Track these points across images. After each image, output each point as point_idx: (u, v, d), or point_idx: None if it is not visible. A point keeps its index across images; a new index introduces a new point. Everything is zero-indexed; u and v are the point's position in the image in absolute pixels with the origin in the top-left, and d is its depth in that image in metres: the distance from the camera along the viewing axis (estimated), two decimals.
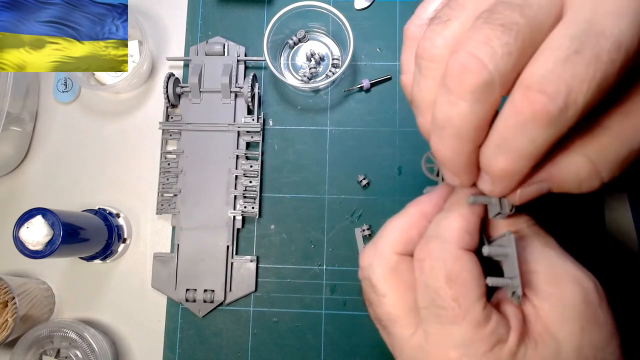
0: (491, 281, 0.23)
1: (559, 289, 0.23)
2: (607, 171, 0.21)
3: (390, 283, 0.25)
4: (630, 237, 0.47)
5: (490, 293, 0.24)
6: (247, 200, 0.50)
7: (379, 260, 0.25)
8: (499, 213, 0.24)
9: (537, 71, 0.18)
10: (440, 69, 0.21)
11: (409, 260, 0.25)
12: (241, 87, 0.51)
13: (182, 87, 0.51)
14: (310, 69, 0.52)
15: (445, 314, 0.22)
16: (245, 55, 0.53)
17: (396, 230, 0.26)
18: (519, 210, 0.24)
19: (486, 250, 0.23)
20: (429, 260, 0.23)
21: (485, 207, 0.25)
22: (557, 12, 0.19)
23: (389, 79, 0.51)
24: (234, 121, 0.51)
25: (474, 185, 0.25)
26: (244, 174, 0.50)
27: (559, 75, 0.18)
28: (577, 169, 0.21)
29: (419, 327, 0.24)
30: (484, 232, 0.26)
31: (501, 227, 0.26)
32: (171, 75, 0.50)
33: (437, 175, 0.31)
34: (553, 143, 0.19)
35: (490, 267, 0.24)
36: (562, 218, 0.46)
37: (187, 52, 0.54)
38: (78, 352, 0.46)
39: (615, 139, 0.20)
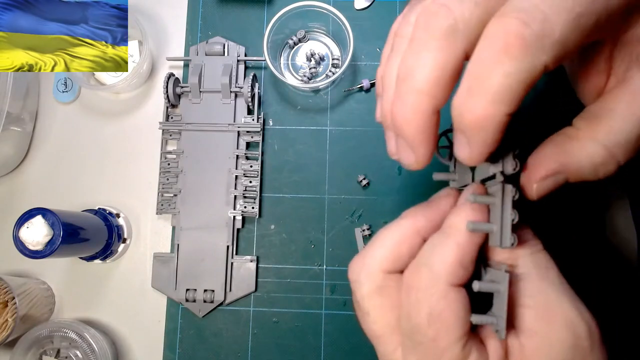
0: (475, 319, 0.22)
1: (548, 329, 0.21)
2: (622, 154, 0.20)
3: (374, 301, 0.24)
4: (630, 240, 0.47)
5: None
6: (247, 200, 0.50)
7: (366, 277, 0.25)
8: (498, 245, 0.23)
9: (512, 3, 0.18)
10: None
11: (396, 278, 0.24)
12: (241, 87, 0.51)
13: (182, 87, 0.51)
14: (310, 69, 0.52)
15: (422, 349, 0.22)
16: (245, 55, 0.53)
17: (386, 245, 0.25)
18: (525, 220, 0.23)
19: (476, 286, 0.22)
20: (416, 291, 0.22)
21: (486, 235, 0.24)
22: None
23: None
24: (234, 121, 0.51)
25: (484, 207, 0.23)
26: (244, 174, 0.50)
27: (535, 3, 0.17)
28: (590, 156, 0.20)
29: (400, 345, 0.24)
30: (482, 250, 0.24)
31: (500, 252, 0.24)
32: (171, 75, 0.50)
33: (450, 159, 0.29)
34: (531, 83, 0.18)
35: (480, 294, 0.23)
36: (563, 220, 0.46)
37: (187, 52, 0.54)
38: (78, 352, 0.46)
39: (625, 120, 0.20)
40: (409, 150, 0.22)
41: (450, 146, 0.28)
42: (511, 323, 0.22)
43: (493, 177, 0.23)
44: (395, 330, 0.24)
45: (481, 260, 0.24)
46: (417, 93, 0.20)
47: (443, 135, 0.28)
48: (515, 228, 0.22)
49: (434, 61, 0.19)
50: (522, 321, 0.22)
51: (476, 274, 0.23)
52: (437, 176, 0.28)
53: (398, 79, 0.20)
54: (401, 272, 0.24)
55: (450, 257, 0.22)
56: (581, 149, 0.21)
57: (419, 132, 0.21)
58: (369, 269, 0.25)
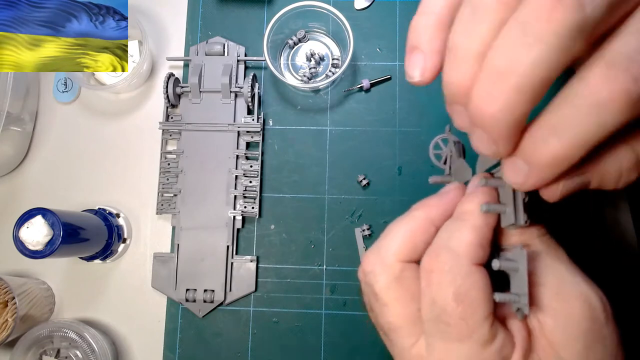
0: (499, 297, 0.22)
1: (565, 305, 0.22)
2: None
3: (393, 292, 0.24)
4: (629, 235, 0.47)
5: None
6: (247, 200, 0.50)
7: (382, 268, 0.24)
8: (512, 224, 0.23)
9: (621, 49, 0.16)
10: (504, 13, 0.18)
11: (413, 268, 0.24)
12: (241, 87, 0.51)
13: (182, 87, 0.51)
14: (310, 69, 0.52)
15: (450, 331, 0.22)
16: (245, 55, 0.53)
17: (401, 235, 0.25)
18: (533, 221, 0.24)
19: (496, 264, 0.23)
20: (438, 274, 0.22)
21: (498, 216, 0.24)
22: None
23: (389, 79, 0.51)
24: (234, 121, 0.51)
25: (494, 190, 0.24)
26: (244, 174, 0.50)
27: None
28: (620, 162, 0.19)
29: (420, 337, 0.23)
30: (494, 239, 0.25)
31: (512, 236, 0.25)
32: (171, 75, 0.50)
33: (445, 163, 0.30)
34: (615, 132, 0.17)
35: (495, 274, 0.23)
36: (562, 218, 0.46)
37: (187, 52, 0.54)
38: (78, 352, 0.46)
39: None
40: (490, 142, 0.19)
41: (444, 151, 0.30)
42: (530, 302, 0.22)
43: (498, 164, 0.24)
44: (415, 321, 0.23)
45: (494, 246, 0.25)
46: (516, 92, 0.17)
47: (436, 142, 0.30)
48: (526, 207, 0.23)
49: (548, 60, 0.16)
50: (539, 299, 0.23)
51: (490, 261, 0.24)
52: (433, 179, 0.30)
53: (493, 72, 0.18)
54: (417, 262, 0.25)
55: (469, 237, 0.22)
56: (615, 154, 0.19)
57: (508, 130, 0.18)
58: (385, 259, 0.24)
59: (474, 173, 0.27)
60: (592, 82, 0.17)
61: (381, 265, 0.24)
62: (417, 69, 0.21)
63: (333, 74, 0.50)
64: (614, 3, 0.16)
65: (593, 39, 0.17)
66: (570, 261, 0.24)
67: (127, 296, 0.50)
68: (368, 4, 0.53)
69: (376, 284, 0.24)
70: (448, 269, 0.22)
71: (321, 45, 0.53)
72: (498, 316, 0.23)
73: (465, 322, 0.21)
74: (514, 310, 0.23)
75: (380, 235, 0.26)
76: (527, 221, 0.23)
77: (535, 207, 0.23)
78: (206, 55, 0.52)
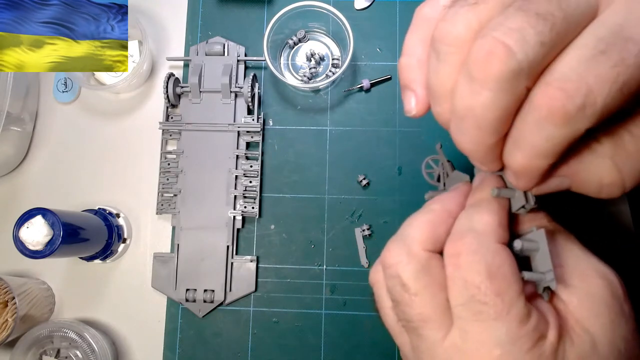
0: (527, 275, 0.22)
1: (587, 282, 0.22)
2: (632, 182, 0.20)
3: (422, 281, 0.24)
4: (627, 225, 0.47)
5: None
6: (247, 200, 0.50)
7: (409, 257, 0.24)
8: (522, 207, 0.24)
9: (559, 69, 0.18)
10: (461, 55, 0.20)
11: (437, 257, 0.24)
12: (241, 87, 0.51)
13: (182, 87, 0.51)
14: (310, 69, 0.52)
15: (486, 310, 0.21)
16: (245, 55, 0.53)
17: (423, 226, 0.25)
18: (541, 205, 0.24)
19: (518, 244, 0.23)
20: (466, 255, 0.22)
21: (509, 201, 0.25)
22: (592, 13, 0.18)
23: (389, 79, 0.51)
24: (234, 121, 0.51)
25: (500, 177, 0.25)
26: (244, 174, 0.50)
27: (581, 74, 0.17)
28: (601, 173, 0.20)
29: (452, 327, 0.23)
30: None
31: (524, 222, 0.25)
32: (171, 75, 0.50)
33: (438, 180, 0.31)
34: (571, 142, 0.19)
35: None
36: (562, 207, 0.46)
37: (187, 52, 0.54)
38: (78, 352, 0.46)
39: None
40: (481, 165, 0.22)
41: (435, 169, 0.32)
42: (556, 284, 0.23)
43: None
44: (445, 312, 0.23)
45: (510, 234, 0.25)
46: (479, 130, 0.20)
47: (427, 162, 0.32)
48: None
49: (496, 103, 0.19)
50: (560, 279, 0.23)
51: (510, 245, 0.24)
52: (429, 195, 0.31)
53: (456, 114, 0.20)
54: (439, 253, 0.25)
55: (489, 218, 0.23)
56: (594, 163, 0.20)
57: (486, 157, 0.21)
58: (411, 248, 0.24)
59: (471, 179, 0.28)
60: (534, 100, 0.18)
61: (407, 255, 0.24)
62: (411, 105, 0.24)
63: (333, 74, 0.50)
64: (549, 44, 0.18)
65: (539, 73, 0.18)
66: (580, 243, 0.24)
67: (127, 296, 0.50)
68: (368, 4, 0.53)
69: (404, 273, 0.24)
70: (475, 249, 0.22)
71: (321, 45, 0.53)
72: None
73: (501, 299, 0.21)
74: (540, 292, 0.23)
75: (388, 233, 0.27)
76: (537, 202, 0.23)
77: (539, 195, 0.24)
78: (206, 55, 0.52)
